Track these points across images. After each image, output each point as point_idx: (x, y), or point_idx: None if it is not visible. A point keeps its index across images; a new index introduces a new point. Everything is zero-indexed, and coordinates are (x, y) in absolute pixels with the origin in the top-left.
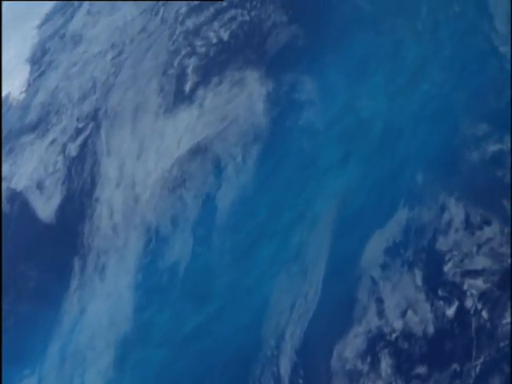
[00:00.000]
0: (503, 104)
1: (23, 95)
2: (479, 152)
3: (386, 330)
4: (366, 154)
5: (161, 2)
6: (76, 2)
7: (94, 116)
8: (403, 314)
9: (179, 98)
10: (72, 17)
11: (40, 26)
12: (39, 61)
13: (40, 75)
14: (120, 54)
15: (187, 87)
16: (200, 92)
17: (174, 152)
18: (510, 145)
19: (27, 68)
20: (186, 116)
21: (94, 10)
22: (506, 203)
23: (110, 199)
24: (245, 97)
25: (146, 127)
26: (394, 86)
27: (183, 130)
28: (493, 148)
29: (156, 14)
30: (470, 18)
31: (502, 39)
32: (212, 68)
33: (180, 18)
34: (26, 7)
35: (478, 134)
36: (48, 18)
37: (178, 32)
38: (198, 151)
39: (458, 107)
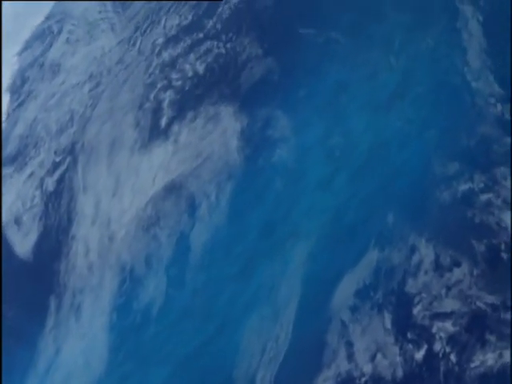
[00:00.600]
0: (474, 141)
1: (3, 125)
2: (450, 192)
3: (356, 373)
4: (336, 193)
5: (138, 32)
6: (55, 30)
7: (71, 150)
8: (372, 358)
9: (154, 133)
10: (51, 45)
11: (20, 53)
12: (19, 90)
13: (19, 105)
14: (97, 85)
15: (163, 122)
16: (175, 127)
17: (149, 189)
18: (480, 183)
19: (7, 97)
20: (161, 152)
21: (72, 39)
22: (476, 244)
23: (85, 237)
24: (219, 133)
25: (122, 163)
26: (367, 123)
27: (158, 166)
28: (463, 187)
29: (133, 44)
30: (443, 52)
31: (474, 74)
32: (187, 102)
33: (157, 50)
34: (6, 34)
35: (449, 173)
36: (28, 45)
37: (154, 64)
38: (173, 189)
39: (429, 145)
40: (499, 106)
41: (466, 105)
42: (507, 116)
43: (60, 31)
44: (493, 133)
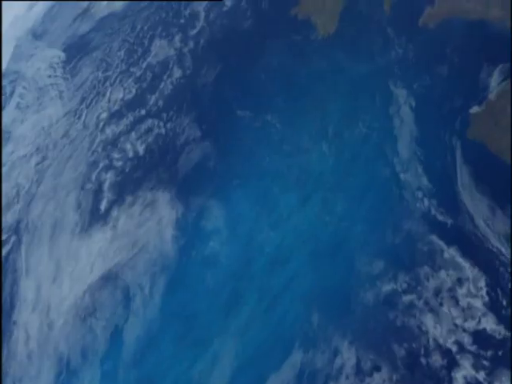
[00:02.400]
0: (399, 239)
1: None
2: (374, 291)
3: None
4: (266, 291)
5: (84, 105)
6: (8, 91)
7: (16, 229)
8: None
9: (95, 216)
10: (3, 108)
11: None
12: None
13: None
14: (43, 159)
15: (102, 206)
16: (114, 212)
17: (87, 277)
18: (403, 284)
19: None
20: (100, 238)
21: (23, 104)
22: (396, 348)
23: (26, 324)
24: (155, 221)
25: (63, 247)
26: (297, 217)
27: (96, 253)
28: (387, 288)
29: (79, 117)
30: (374, 140)
31: (403, 165)
32: (127, 186)
33: (101, 125)
34: None
35: (373, 273)
36: None
37: (97, 140)
38: (109, 278)
39: (355, 242)
40: (426, 201)
41: (394, 199)
42: (433, 212)
43: (12, 93)
44: (418, 230)
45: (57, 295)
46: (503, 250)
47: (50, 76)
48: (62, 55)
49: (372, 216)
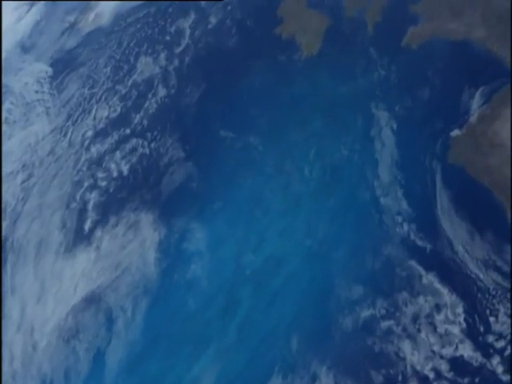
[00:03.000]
0: (379, 264)
1: None
2: (352, 317)
3: None
4: (246, 314)
5: (70, 122)
6: None
7: (2, 247)
8: None
9: (79, 236)
10: None
11: None
12: None
13: None
14: (29, 177)
15: (87, 226)
16: (98, 233)
17: (71, 299)
18: (382, 309)
19: None
20: (84, 259)
21: (10, 119)
22: (374, 374)
23: (11, 343)
24: (138, 243)
25: (47, 267)
26: (278, 241)
27: (80, 274)
28: (365, 313)
29: (65, 134)
30: (355, 163)
31: (383, 189)
32: (110, 206)
33: (86, 143)
34: None
35: (352, 298)
36: None
37: (82, 159)
38: (92, 300)
39: (335, 267)
40: (405, 226)
41: (374, 223)
42: (412, 237)
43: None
44: (397, 255)
45: (41, 316)
46: (481, 275)
47: (37, 91)
48: (49, 70)
49: (352, 240)
